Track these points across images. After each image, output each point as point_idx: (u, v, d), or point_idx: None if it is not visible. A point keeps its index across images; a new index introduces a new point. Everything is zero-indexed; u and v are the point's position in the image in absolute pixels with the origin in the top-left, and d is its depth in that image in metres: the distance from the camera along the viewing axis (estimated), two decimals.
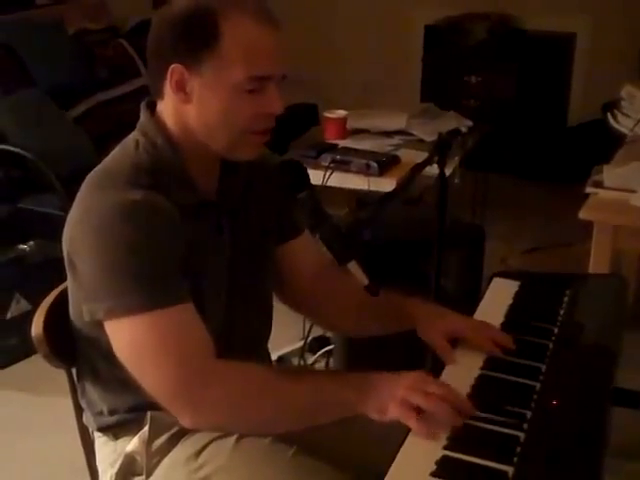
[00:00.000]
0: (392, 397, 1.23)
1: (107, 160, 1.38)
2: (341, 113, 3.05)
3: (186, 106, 1.33)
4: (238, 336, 1.46)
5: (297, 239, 1.58)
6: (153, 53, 1.35)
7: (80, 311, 1.33)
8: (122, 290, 1.24)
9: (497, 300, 1.66)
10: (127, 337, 1.27)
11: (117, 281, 1.24)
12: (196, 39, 1.28)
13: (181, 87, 1.31)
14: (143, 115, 1.40)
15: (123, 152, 1.38)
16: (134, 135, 1.39)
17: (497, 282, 1.76)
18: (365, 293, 1.48)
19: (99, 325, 1.29)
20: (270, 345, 1.63)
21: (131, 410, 1.41)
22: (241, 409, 1.29)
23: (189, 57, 1.29)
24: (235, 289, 1.45)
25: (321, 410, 1.30)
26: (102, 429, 1.46)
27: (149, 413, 1.37)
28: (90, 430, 1.52)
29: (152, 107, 1.40)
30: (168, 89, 1.33)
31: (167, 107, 1.36)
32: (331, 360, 2.86)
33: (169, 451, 1.38)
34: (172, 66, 1.30)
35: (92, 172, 1.36)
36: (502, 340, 1.45)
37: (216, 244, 1.41)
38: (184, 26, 1.29)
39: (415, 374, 1.28)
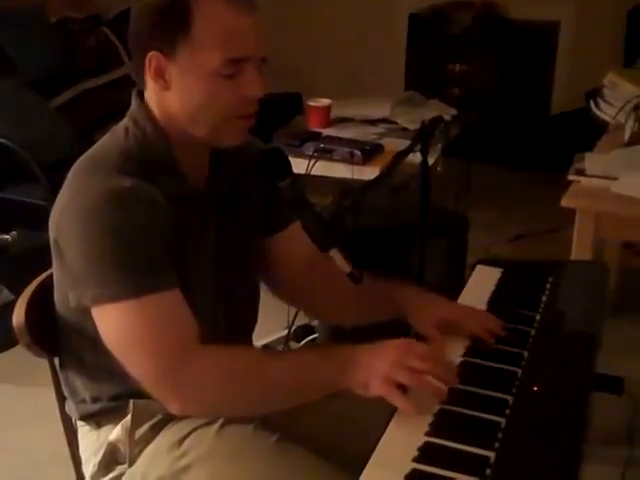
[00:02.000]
0: (375, 373, 1.23)
1: (96, 146, 1.37)
2: (325, 102, 3.04)
3: (166, 94, 1.33)
4: (223, 328, 1.45)
5: (285, 231, 1.57)
6: (133, 43, 1.34)
7: (66, 298, 1.33)
8: (108, 276, 1.24)
9: (480, 287, 1.67)
10: (113, 323, 1.26)
11: (103, 267, 1.24)
12: (170, 25, 1.28)
13: (160, 74, 1.31)
14: (134, 103, 1.39)
15: (112, 139, 1.37)
16: (124, 122, 1.39)
17: (480, 269, 1.76)
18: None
19: (85, 312, 1.29)
20: (255, 333, 1.62)
21: (114, 398, 1.41)
22: (227, 392, 1.29)
23: (165, 44, 1.29)
24: (221, 281, 1.44)
25: (307, 387, 1.29)
26: (85, 417, 1.46)
27: (132, 401, 1.37)
28: (73, 419, 1.51)
29: (142, 95, 1.39)
30: (149, 77, 1.33)
31: (150, 96, 1.36)
32: None
33: (152, 439, 1.38)
34: (149, 54, 1.29)
35: (81, 158, 1.35)
36: (493, 326, 1.46)
37: (201, 237, 1.41)
38: (159, 13, 1.28)
39: (399, 343, 1.27)
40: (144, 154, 1.34)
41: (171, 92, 1.32)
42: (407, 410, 1.21)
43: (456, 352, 1.42)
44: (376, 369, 1.24)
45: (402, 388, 1.22)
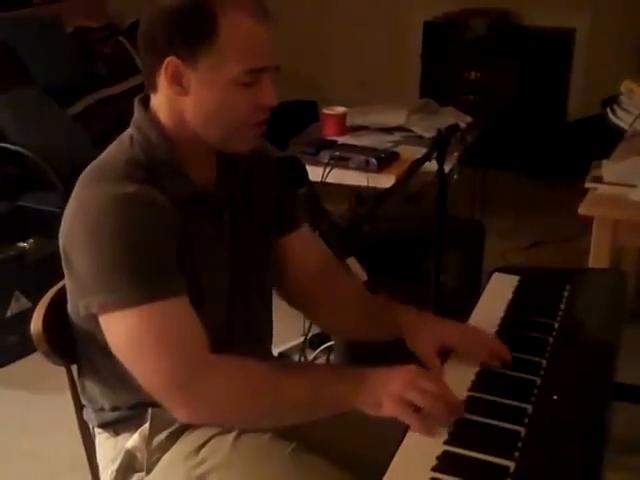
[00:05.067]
0: (387, 393, 1.23)
1: (102, 156, 1.38)
2: (340, 110, 3.04)
3: (182, 99, 1.33)
4: (239, 332, 1.45)
5: (296, 232, 1.57)
6: (146, 46, 1.33)
7: (77, 306, 1.33)
8: (115, 284, 1.24)
9: (497, 295, 1.66)
10: (121, 331, 1.27)
11: (110, 275, 1.24)
12: (193, 33, 1.27)
13: (177, 80, 1.31)
14: (137, 111, 1.40)
15: (118, 147, 1.38)
16: (129, 131, 1.39)
17: (497, 277, 1.76)
18: (362, 296, 1.48)
19: (95, 320, 1.29)
20: None
21: (133, 407, 1.41)
22: (236, 402, 1.29)
23: (185, 51, 1.28)
24: (236, 284, 1.44)
25: (317, 404, 1.29)
26: (103, 425, 1.46)
27: (150, 410, 1.37)
28: (91, 427, 1.51)
29: (146, 102, 1.40)
30: (163, 82, 1.33)
31: (161, 100, 1.36)
32: (332, 356, 2.86)
33: (169, 447, 1.38)
34: (167, 59, 1.29)
35: (88, 167, 1.36)
36: (499, 349, 1.41)
37: (217, 238, 1.41)
38: (180, 19, 1.28)
39: (409, 368, 1.28)
40: (149, 160, 1.34)
41: (187, 97, 1.32)
42: (419, 429, 1.20)
43: (470, 369, 1.40)
44: (389, 389, 1.24)
45: (415, 410, 1.22)
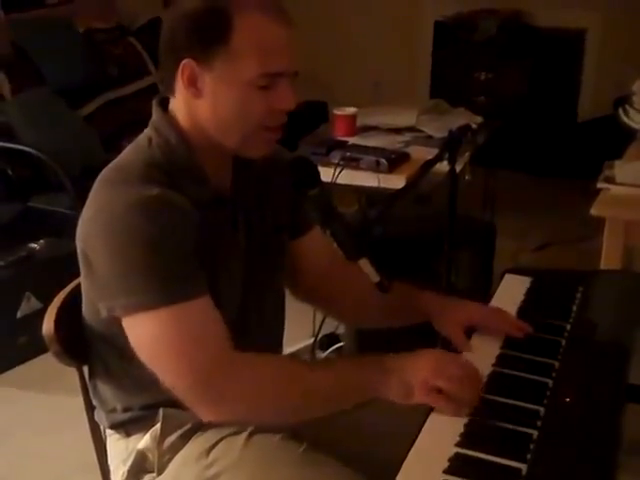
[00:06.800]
0: (416, 381, 1.26)
1: (120, 157, 1.38)
2: (351, 110, 3.04)
3: (197, 101, 1.33)
4: (251, 333, 1.45)
5: (309, 234, 1.58)
6: (165, 49, 1.34)
7: (94, 308, 1.33)
8: (139, 286, 1.24)
9: (509, 297, 1.65)
10: (145, 333, 1.26)
11: (133, 277, 1.24)
12: (208, 34, 1.27)
13: (192, 82, 1.31)
14: (155, 112, 1.39)
15: (136, 149, 1.37)
16: (147, 132, 1.39)
17: (509, 278, 1.75)
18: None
19: (115, 322, 1.29)
20: None
21: (144, 407, 1.41)
22: (263, 399, 1.29)
23: (201, 52, 1.28)
24: (250, 285, 1.44)
25: (342, 395, 1.30)
26: (114, 426, 1.46)
27: (161, 410, 1.37)
28: (102, 428, 1.51)
29: (164, 104, 1.40)
30: (180, 85, 1.33)
31: (179, 103, 1.36)
32: None
33: (180, 448, 1.38)
34: (184, 61, 1.29)
35: (105, 169, 1.36)
36: (519, 325, 1.48)
37: (231, 240, 1.41)
38: (196, 21, 1.28)
39: (433, 354, 1.31)
40: (169, 162, 1.34)
41: (202, 100, 1.32)
42: (449, 412, 1.23)
43: (486, 362, 1.40)
44: (417, 377, 1.26)
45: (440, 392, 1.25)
